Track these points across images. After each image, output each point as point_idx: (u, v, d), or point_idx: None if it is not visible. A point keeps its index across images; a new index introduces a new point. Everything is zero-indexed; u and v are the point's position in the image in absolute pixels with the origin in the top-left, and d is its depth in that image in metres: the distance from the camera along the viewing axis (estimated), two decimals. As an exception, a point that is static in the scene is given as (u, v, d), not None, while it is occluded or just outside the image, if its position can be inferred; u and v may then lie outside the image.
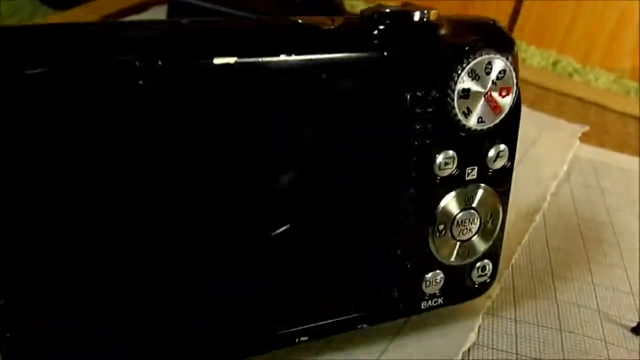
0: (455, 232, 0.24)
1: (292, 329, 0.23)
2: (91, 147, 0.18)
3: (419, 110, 0.21)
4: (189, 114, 0.18)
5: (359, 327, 0.24)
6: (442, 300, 0.25)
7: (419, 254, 0.24)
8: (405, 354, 0.25)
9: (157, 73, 0.17)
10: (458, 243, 0.24)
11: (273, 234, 0.21)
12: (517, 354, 0.26)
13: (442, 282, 0.25)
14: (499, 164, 0.24)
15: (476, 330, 0.26)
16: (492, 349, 0.26)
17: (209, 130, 0.19)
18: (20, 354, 0.19)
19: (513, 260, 0.31)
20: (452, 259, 0.24)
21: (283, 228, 0.21)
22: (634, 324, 0.28)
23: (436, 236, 0.24)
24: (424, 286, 0.25)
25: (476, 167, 0.23)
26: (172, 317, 0.21)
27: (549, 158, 0.40)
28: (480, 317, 0.27)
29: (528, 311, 0.28)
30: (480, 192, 0.24)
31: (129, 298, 0.20)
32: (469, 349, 0.26)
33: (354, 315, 0.24)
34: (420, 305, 0.25)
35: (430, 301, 0.25)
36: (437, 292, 0.25)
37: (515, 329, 0.27)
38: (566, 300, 0.29)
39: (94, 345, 0.20)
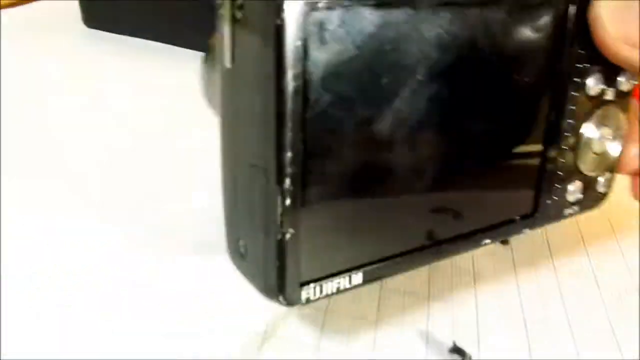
0: (595, 147, 0.28)
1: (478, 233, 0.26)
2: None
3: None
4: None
5: (523, 231, 0.27)
6: (579, 208, 0.29)
7: (568, 166, 0.28)
8: None
9: None
10: (596, 156, 0.28)
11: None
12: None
13: (580, 192, 0.29)
14: (626, 87, 0.28)
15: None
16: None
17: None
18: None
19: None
20: (591, 170, 0.28)
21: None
22: None
23: (582, 149, 0.27)
24: (567, 195, 0.28)
25: (614, 89, 0.27)
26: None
27: None
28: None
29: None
30: (615, 111, 0.28)
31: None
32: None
33: (520, 218, 0.27)
34: (564, 213, 0.29)
35: (571, 209, 0.29)
36: (577, 200, 0.29)
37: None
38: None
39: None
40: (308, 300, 0.21)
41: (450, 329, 0.23)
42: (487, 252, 0.28)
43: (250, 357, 0.21)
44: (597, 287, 0.28)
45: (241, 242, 0.22)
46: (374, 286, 0.25)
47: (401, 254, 0.23)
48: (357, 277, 0.22)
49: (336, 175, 0.21)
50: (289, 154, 0.19)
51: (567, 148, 0.27)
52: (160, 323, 0.24)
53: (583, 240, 0.32)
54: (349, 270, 0.22)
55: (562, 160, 0.27)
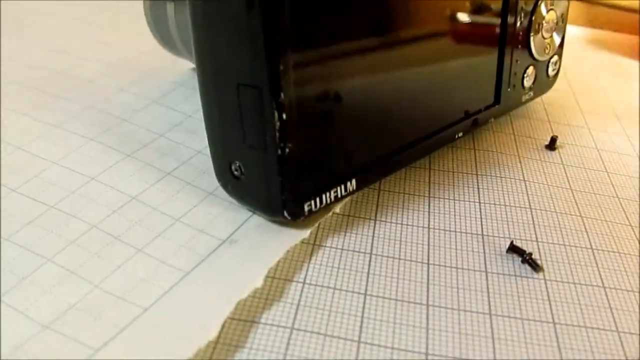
0: (544, 31, 0.29)
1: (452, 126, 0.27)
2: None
3: None
4: None
5: (489, 120, 0.29)
6: (533, 93, 0.31)
7: (522, 54, 0.29)
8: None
9: None
10: (546, 40, 0.29)
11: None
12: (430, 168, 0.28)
13: (534, 77, 0.30)
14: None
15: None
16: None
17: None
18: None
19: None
20: (541, 54, 0.30)
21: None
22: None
23: (534, 36, 0.29)
24: (524, 81, 0.30)
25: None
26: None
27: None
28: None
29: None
30: (560, -5, 0.29)
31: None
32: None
33: (485, 109, 0.28)
34: (522, 99, 0.30)
35: (527, 95, 0.30)
36: (531, 85, 0.30)
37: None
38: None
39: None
40: (310, 212, 0.22)
41: (506, 230, 0.24)
42: (534, 158, 0.29)
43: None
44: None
45: (235, 165, 0.22)
46: (421, 192, 0.26)
47: (388, 156, 0.24)
48: (351, 185, 0.23)
49: (326, 87, 0.21)
50: (281, 67, 0.19)
51: (521, 34, 0.28)
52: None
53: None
54: (343, 178, 0.22)
55: (518, 48, 0.28)
